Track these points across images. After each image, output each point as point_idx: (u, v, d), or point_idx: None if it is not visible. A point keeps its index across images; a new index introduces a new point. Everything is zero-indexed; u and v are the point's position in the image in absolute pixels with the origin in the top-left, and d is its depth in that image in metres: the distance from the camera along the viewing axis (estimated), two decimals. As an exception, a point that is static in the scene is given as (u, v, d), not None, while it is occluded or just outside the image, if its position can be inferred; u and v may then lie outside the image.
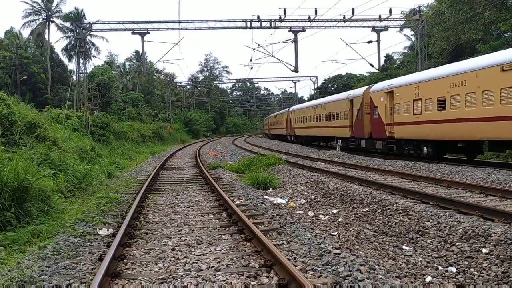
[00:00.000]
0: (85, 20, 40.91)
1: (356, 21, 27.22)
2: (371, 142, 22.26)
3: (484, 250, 5.64)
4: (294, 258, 5.27)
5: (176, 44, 30.31)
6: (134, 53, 72.62)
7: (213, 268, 5.06)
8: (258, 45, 31.61)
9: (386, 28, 28.11)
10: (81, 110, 30.99)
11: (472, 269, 5.27)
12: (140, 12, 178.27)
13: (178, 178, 14.78)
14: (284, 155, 23.89)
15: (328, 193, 10.81)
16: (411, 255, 5.98)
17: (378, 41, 28.45)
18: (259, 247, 5.67)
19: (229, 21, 27.46)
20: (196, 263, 5.25)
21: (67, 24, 52.27)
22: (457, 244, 6.06)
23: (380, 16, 27.13)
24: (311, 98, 63.64)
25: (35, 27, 53.89)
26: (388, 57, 54.68)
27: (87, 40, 44.44)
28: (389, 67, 48.62)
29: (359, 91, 24.90)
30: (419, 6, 29.48)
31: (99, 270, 4.64)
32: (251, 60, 39.43)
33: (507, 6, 28.85)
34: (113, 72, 60.82)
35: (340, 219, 8.32)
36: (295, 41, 27.50)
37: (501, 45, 24.95)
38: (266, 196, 10.61)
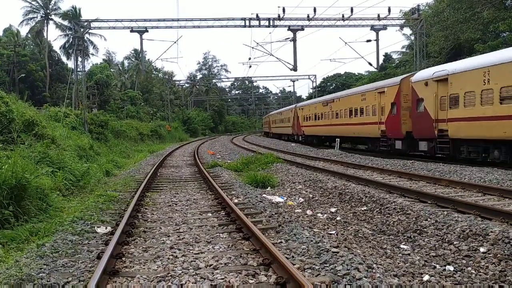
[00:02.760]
0: (82, 19, 40.77)
1: (355, 20, 27.20)
2: None
3: (482, 249, 5.65)
4: (292, 256, 5.28)
5: (175, 42, 30.65)
6: (132, 51, 72.62)
7: (211, 267, 5.06)
8: (257, 43, 31.58)
9: (385, 27, 28.11)
10: (79, 108, 30.96)
11: (469, 268, 5.29)
12: (138, 10, 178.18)
13: (176, 177, 14.78)
14: (282, 153, 23.89)
15: (327, 192, 10.82)
16: (409, 254, 5.99)
17: (377, 40, 28.49)
18: (257, 245, 5.68)
19: (228, 20, 27.42)
20: (195, 261, 5.26)
21: (66, 22, 52.15)
22: (455, 243, 6.08)
23: (379, 15, 27.12)
24: (310, 97, 63.51)
25: (33, 25, 53.76)
26: (387, 56, 54.81)
27: (86, 38, 44.36)
28: (388, 66, 48.66)
29: None
30: (418, 5, 29.63)
31: (97, 268, 4.64)
32: (249, 58, 39.48)
33: (505, 5, 28.91)
34: (112, 70, 60.72)
35: (338, 218, 8.33)
36: (294, 39, 27.47)
37: (499, 44, 24.97)
38: (264, 195, 10.61)
